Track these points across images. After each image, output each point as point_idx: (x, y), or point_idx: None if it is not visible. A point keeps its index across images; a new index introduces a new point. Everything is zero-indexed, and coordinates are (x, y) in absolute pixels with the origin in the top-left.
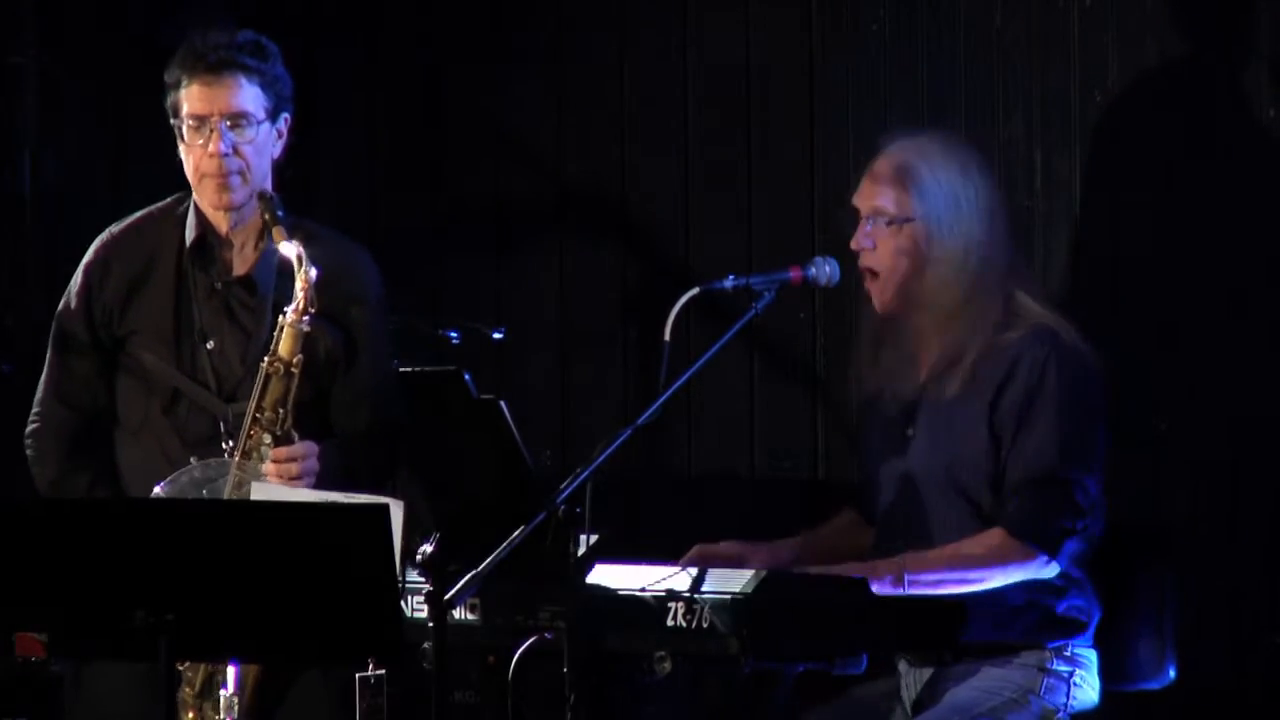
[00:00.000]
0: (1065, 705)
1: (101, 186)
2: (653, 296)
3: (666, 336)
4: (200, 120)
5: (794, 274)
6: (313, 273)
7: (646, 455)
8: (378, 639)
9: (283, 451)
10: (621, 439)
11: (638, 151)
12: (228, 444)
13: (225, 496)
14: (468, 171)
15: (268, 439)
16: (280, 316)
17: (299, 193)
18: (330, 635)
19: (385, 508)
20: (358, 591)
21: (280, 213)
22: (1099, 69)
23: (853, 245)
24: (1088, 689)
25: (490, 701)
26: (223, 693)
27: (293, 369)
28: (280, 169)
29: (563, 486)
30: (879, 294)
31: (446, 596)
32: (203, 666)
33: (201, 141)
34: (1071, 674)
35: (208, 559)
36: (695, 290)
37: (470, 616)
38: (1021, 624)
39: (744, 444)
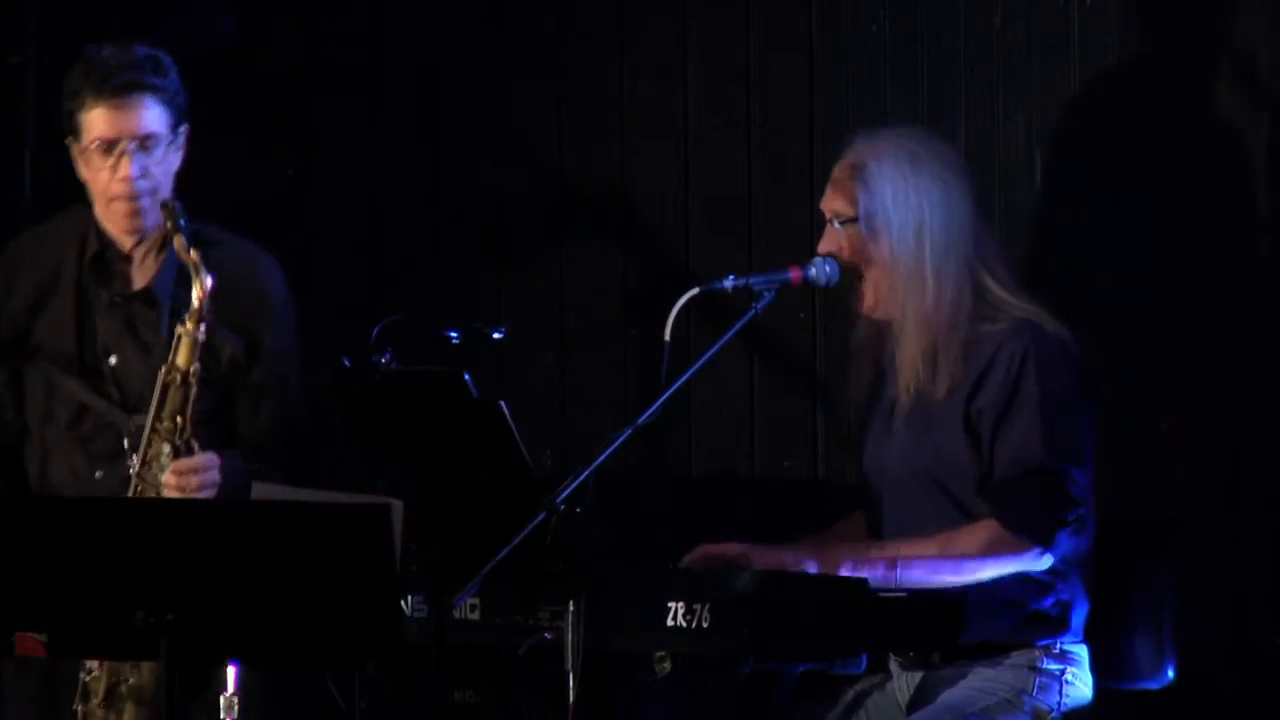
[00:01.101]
0: (1059, 704)
1: None
2: (653, 296)
3: (666, 336)
4: (109, 144)
5: (794, 274)
6: (208, 281)
7: (646, 455)
8: (378, 639)
9: (183, 464)
10: (621, 439)
11: (638, 151)
12: (132, 459)
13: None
14: (467, 171)
15: (167, 449)
16: (178, 326)
17: (299, 193)
18: (330, 635)
19: (385, 507)
20: (358, 592)
21: (183, 221)
22: (1099, 69)
23: (819, 250)
24: (1080, 686)
25: (490, 701)
26: (223, 694)
27: (190, 379)
28: (283, 169)
29: (563, 486)
30: (864, 297)
31: (447, 596)
32: (105, 676)
33: (110, 164)
34: (1063, 672)
35: (208, 559)
36: (695, 290)
37: (470, 616)
38: (1008, 619)
39: (744, 444)
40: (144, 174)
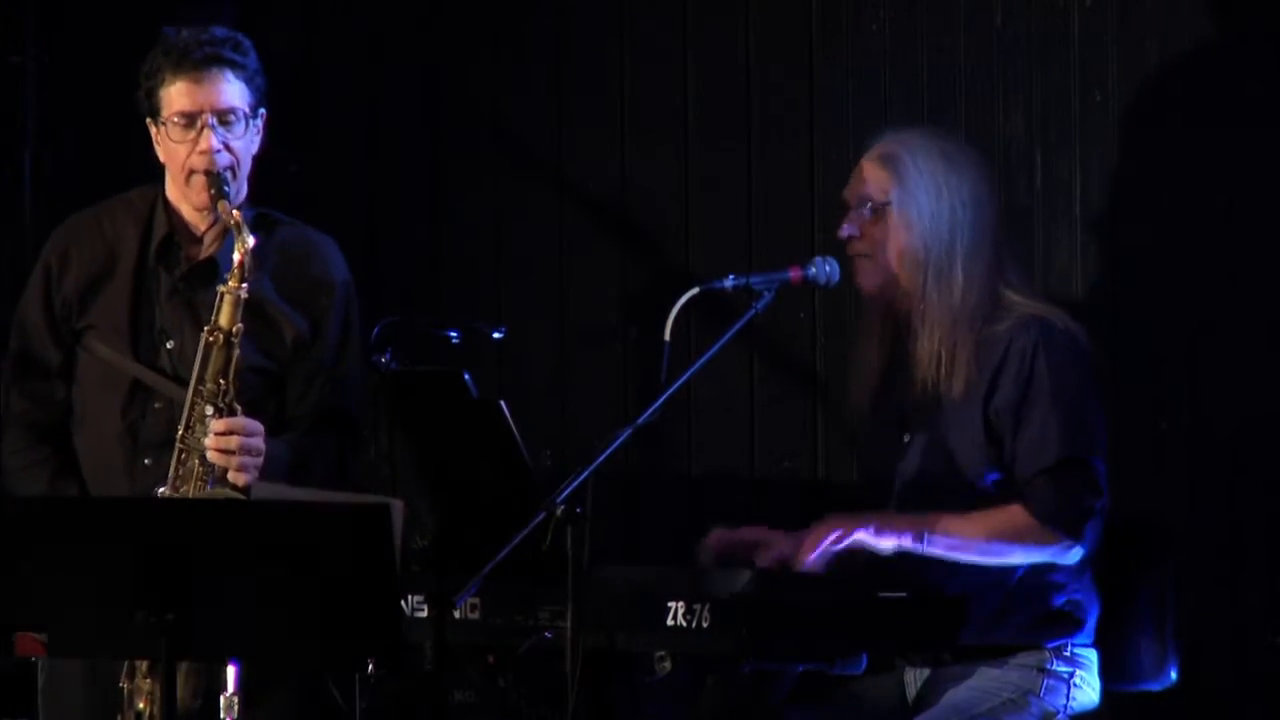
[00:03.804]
0: (1065, 707)
1: (102, 186)
2: (653, 296)
3: (666, 336)
4: (189, 117)
5: (794, 274)
6: (250, 240)
7: (646, 455)
8: (377, 639)
9: (222, 423)
10: (621, 439)
11: (638, 152)
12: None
13: (170, 471)
14: (468, 172)
15: (209, 410)
16: (219, 285)
17: (299, 192)
18: (330, 635)
19: (385, 507)
20: (358, 591)
21: (227, 188)
22: (1099, 69)
23: (839, 234)
24: (1088, 690)
25: (490, 701)
26: (223, 694)
27: (233, 339)
28: (284, 166)
29: (563, 486)
30: (864, 275)
31: (447, 596)
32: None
33: (191, 138)
34: (1071, 675)
35: (208, 559)
36: (695, 290)
37: (470, 616)
38: (1018, 619)
39: (744, 444)
40: (224, 147)
